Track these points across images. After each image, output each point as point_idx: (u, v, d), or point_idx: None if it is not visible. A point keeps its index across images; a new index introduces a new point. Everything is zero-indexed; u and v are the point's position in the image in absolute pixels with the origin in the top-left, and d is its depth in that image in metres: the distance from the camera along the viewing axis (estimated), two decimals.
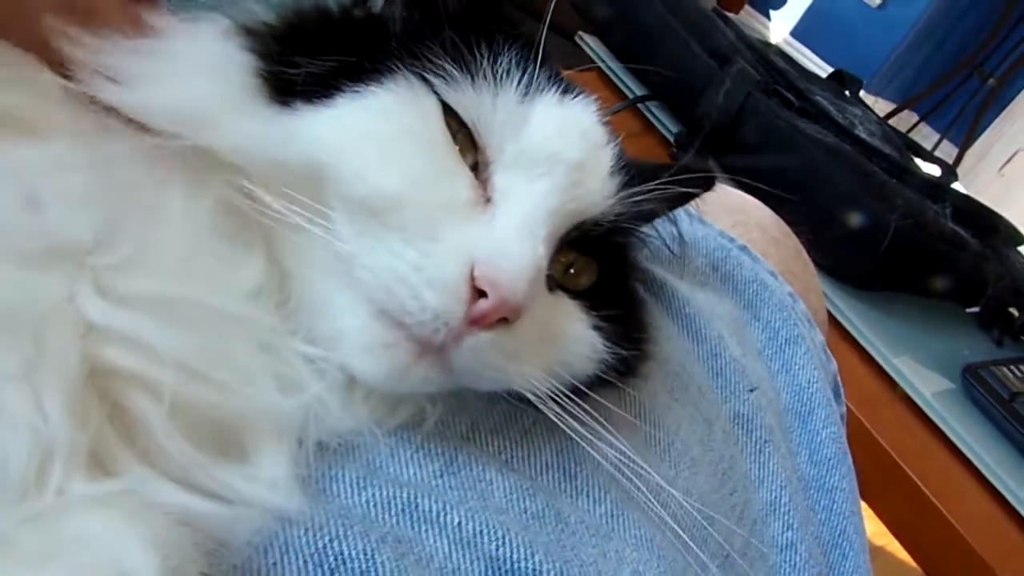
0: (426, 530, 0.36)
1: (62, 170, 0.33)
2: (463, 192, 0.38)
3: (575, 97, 0.43)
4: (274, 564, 0.32)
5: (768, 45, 1.47)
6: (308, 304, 0.38)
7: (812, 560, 0.50)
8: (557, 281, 0.43)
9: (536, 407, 0.40)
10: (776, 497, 0.51)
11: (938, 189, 1.19)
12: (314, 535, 0.34)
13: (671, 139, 1.25)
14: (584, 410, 0.40)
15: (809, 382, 0.59)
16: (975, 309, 1.23)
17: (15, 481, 0.28)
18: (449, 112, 0.40)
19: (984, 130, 2.58)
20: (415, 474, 0.38)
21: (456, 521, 0.36)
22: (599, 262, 0.45)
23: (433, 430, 0.40)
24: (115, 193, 0.34)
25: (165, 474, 0.32)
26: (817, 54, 2.65)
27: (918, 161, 1.39)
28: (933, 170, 1.38)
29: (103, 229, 0.33)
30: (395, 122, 0.38)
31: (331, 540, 0.33)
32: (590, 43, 1.39)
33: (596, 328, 0.43)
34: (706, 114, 1.18)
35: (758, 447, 0.53)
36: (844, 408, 0.66)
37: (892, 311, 1.14)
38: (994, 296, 1.18)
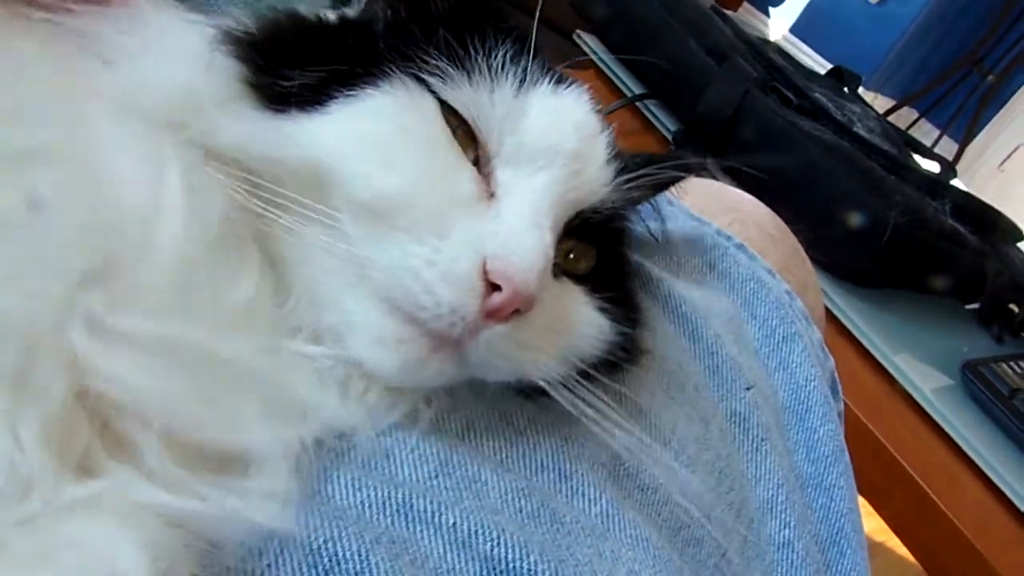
0: (421, 531, 0.36)
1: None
2: (468, 187, 0.39)
3: (568, 87, 0.44)
4: (268, 566, 0.32)
5: (767, 42, 1.47)
6: (313, 301, 0.39)
7: (809, 558, 0.50)
8: (561, 268, 0.43)
9: (545, 397, 0.41)
10: (773, 495, 0.51)
11: (937, 186, 1.19)
12: (308, 536, 0.33)
13: (669, 137, 1.26)
14: (594, 394, 0.41)
15: (806, 380, 0.59)
16: (975, 306, 1.23)
17: None
18: (447, 109, 0.40)
19: (984, 126, 2.57)
20: (410, 474, 0.38)
21: (451, 521, 0.36)
22: (596, 247, 0.46)
23: (428, 430, 0.40)
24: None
25: (156, 481, 0.32)
26: (816, 51, 2.64)
27: (917, 158, 1.39)
28: (932, 167, 1.38)
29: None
30: (394, 123, 0.38)
31: (325, 541, 0.33)
32: (588, 41, 1.39)
33: (601, 310, 0.44)
34: (705, 112, 1.18)
35: (755, 445, 0.53)
36: (842, 406, 0.66)
37: (891, 308, 1.14)
38: (994, 292, 1.18)
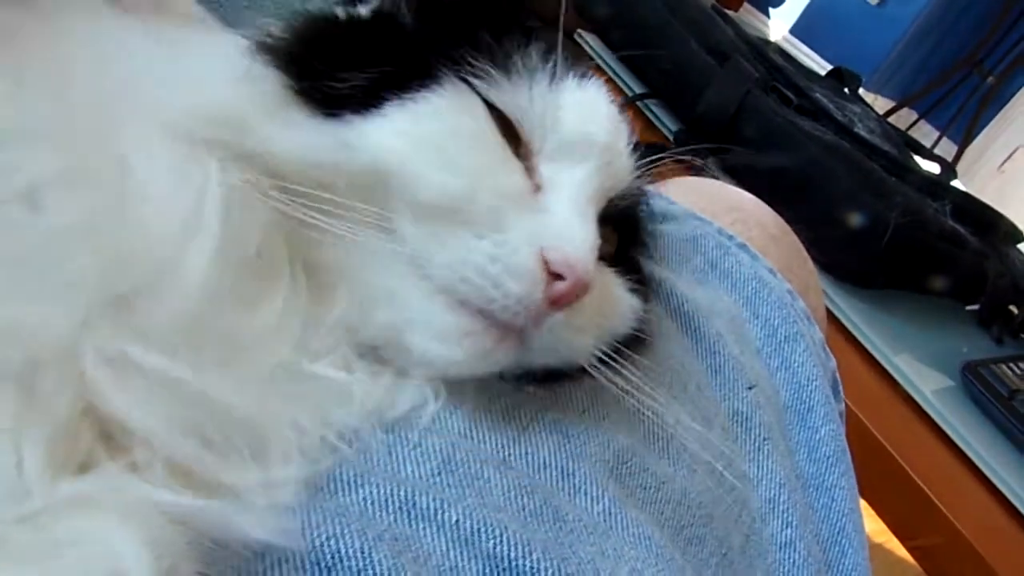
0: (424, 528, 0.36)
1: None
2: (519, 183, 0.41)
3: (589, 80, 0.46)
4: (270, 564, 0.32)
5: (767, 43, 1.47)
6: (363, 302, 0.40)
7: (811, 558, 0.50)
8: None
9: (555, 385, 0.44)
10: (775, 495, 0.51)
11: (937, 187, 1.19)
12: (310, 533, 0.33)
13: (670, 137, 1.25)
14: (627, 368, 0.44)
15: (808, 380, 0.59)
16: (975, 307, 1.23)
17: None
18: (492, 109, 0.41)
19: (983, 128, 2.58)
20: (412, 472, 0.38)
21: (454, 519, 0.36)
22: (618, 231, 0.48)
23: (430, 428, 0.40)
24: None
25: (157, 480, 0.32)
26: (816, 51, 2.65)
27: (917, 159, 1.39)
28: (932, 168, 1.38)
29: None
30: (452, 125, 0.40)
31: (327, 538, 0.33)
32: (589, 41, 1.39)
33: (632, 291, 0.48)
34: (705, 112, 1.18)
35: (757, 445, 0.52)
36: (843, 406, 0.66)
37: (892, 309, 1.14)
38: (994, 294, 1.18)
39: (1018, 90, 2.55)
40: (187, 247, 0.34)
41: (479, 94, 0.41)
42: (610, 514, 0.41)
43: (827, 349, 0.66)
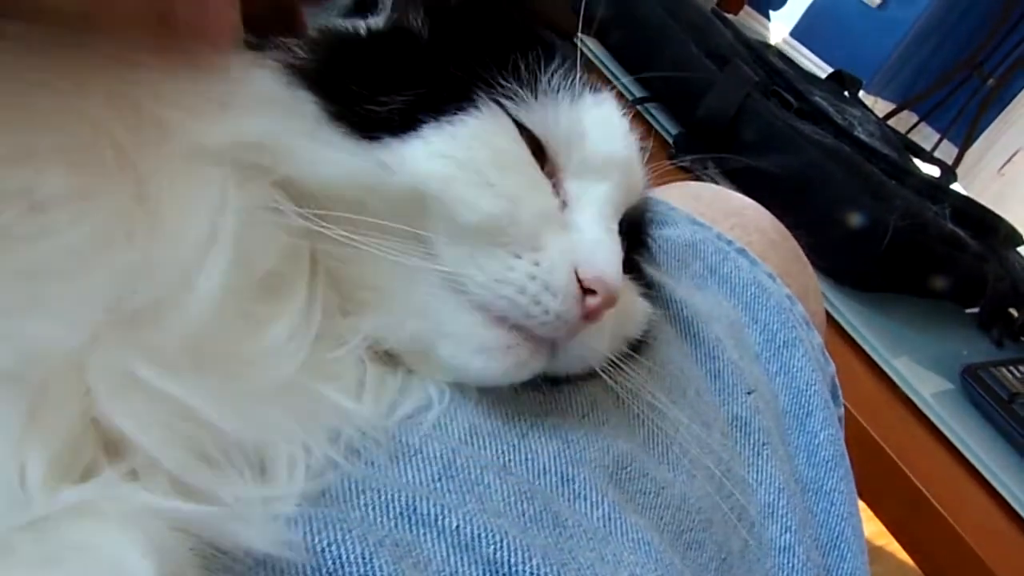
0: (424, 533, 0.36)
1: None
2: (551, 202, 0.42)
3: (602, 94, 0.47)
4: (272, 568, 0.32)
5: (767, 46, 1.47)
6: (393, 312, 0.41)
7: (810, 562, 0.50)
8: None
9: (555, 389, 0.45)
10: (774, 499, 0.51)
11: (937, 190, 1.19)
12: (312, 539, 0.33)
13: (670, 141, 1.26)
14: (632, 370, 0.46)
15: (807, 384, 0.59)
16: (974, 310, 1.23)
17: None
18: (521, 129, 0.42)
19: (984, 130, 2.58)
20: (413, 477, 0.38)
21: (454, 524, 0.36)
22: (626, 238, 0.48)
23: (431, 433, 0.40)
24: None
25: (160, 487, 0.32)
26: (817, 54, 2.65)
27: (917, 162, 1.39)
28: (932, 171, 1.39)
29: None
30: (491, 147, 0.40)
31: (328, 544, 0.33)
32: (589, 45, 1.39)
33: (643, 296, 0.50)
34: (705, 116, 1.18)
35: (756, 450, 0.53)
36: (842, 410, 0.66)
37: (891, 312, 1.14)
38: (994, 297, 1.18)
39: (1018, 93, 2.56)
40: (200, 267, 0.34)
41: (510, 115, 0.42)
42: (609, 519, 0.41)
43: (826, 354, 0.66)
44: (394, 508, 0.36)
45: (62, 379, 0.30)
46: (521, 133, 0.42)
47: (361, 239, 0.38)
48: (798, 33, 2.69)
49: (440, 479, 0.38)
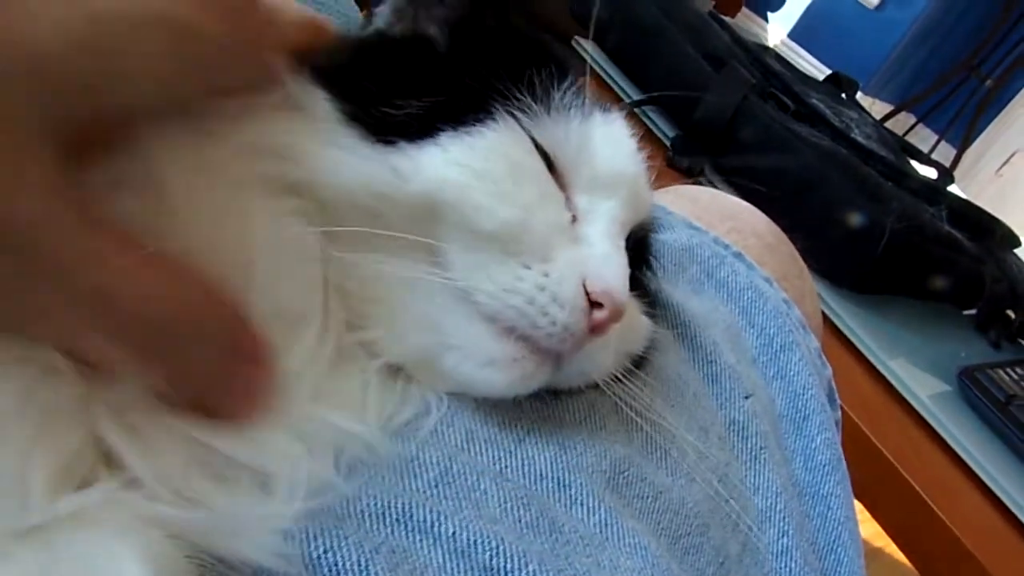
0: (420, 540, 0.36)
1: None
2: (563, 215, 0.42)
3: (611, 113, 0.48)
4: None
5: (765, 48, 1.48)
6: (399, 324, 0.41)
7: (807, 567, 0.50)
8: None
9: (550, 400, 0.45)
10: (771, 504, 0.51)
11: (934, 192, 1.20)
12: (308, 546, 0.34)
13: (667, 143, 1.26)
14: (636, 387, 0.46)
15: (804, 388, 0.59)
16: (972, 312, 1.23)
17: None
18: (533, 143, 0.43)
19: (981, 132, 2.58)
20: (410, 484, 0.38)
21: (451, 531, 0.36)
22: (632, 256, 0.48)
23: (428, 440, 0.40)
24: None
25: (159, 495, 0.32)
26: (815, 56, 2.65)
27: (914, 164, 1.40)
28: (930, 173, 1.39)
29: None
30: (508, 158, 0.41)
31: (325, 551, 0.33)
32: (587, 48, 1.39)
33: (646, 314, 0.51)
34: (702, 118, 1.18)
35: (753, 454, 0.53)
36: (839, 414, 0.66)
37: (888, 314, 1.14)
38: (991, 298, 1.18)
39: (1016, 94, 2.56)
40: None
41: (524, 129, 0.42)
42: (606, 525, 0.41)
43: (823, 357, 0.66)
44: (390, 515, 0.36)
45: (72, 407, 0.31)
46: (536, 148, 0.43)
47: (371, 248, 0.38)
48: (796, 35, 2.69)
49: (437, 486, 0.38)
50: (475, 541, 0.36)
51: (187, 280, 0.32)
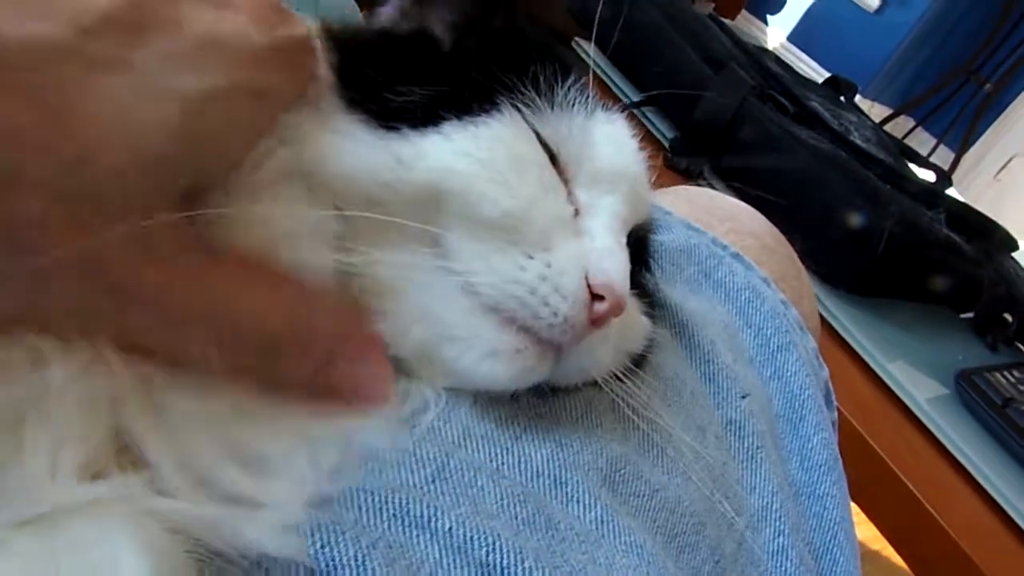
0: (417, 536, 0.36)
1: None
2: (565, 207, 0.43)
3: (613, 112, 0.48)
4: (267, 570, 0.32)
5: (764, 51, 1.48)
6: (401, 316, 0.40)
7: (803, 566, 0.50)
8: None
9: (551, 396, 0.45)
10: (767, 503, 0.51)
11: (932, 195, 1.20)
12: (307, 540, 0.34)
13: (666, 145, 1.26)
14: (636, 386, 0.47)
15: (801, 389, 0.59)
16: (969, 315, 1.24)
17: None
18: (538, 137, 0.43)
19: (980, 135, 2.58)
20: (407, 479, 0.38)
21: (447, 527, 0.36)
22: (632, 256, 0.48)
23: (425, 435, 0.40)
24: None
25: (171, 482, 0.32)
26: (814, 59, 2.65)
27: (913, 167, 1.40)
28: (928, 176, 1.39)
29: None
30: (512, 149, 0.41)
31: (322, 546, 0.34)
32: (587, 49, 1.39)
33: (646, 314, 0.51)
34: (701, 120, 1.19)
35: (750, 454, 0.53)
36: (836, 415, 0.66)
37: (886, 316, 1.14)
38: (988, 301, 1.18)
39: (1015, 98, 2.57)
40: None
41: (528, 122, 0.42)
42: (602, 522, 0.41)
43: (820, 358, 0.66)
44: (388, 510, 0.37)
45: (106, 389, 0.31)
46: (539, 141, 0.43)
47: (375, 236, 0.38)
48: (795, 38, 2.69)
49: (434, 481, 0.39)
50: (472, 537, 0.36)
51: (290, 292, 0.35)
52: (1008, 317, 1.22)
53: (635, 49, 1.33)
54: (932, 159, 1.68)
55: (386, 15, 0.45)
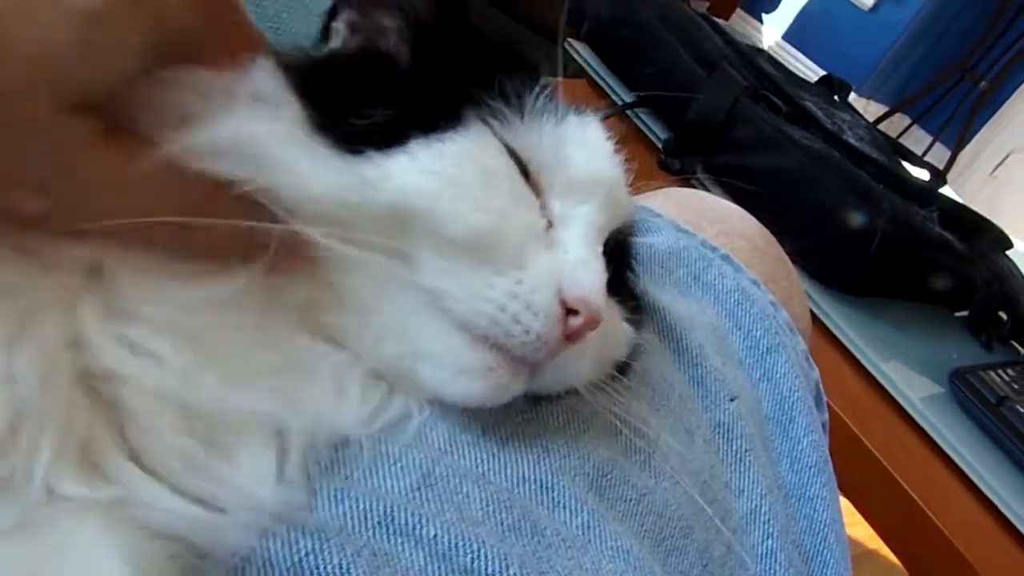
0: (402, 543, 0.36)
1: None
2: (538, 221, 0.42)
3: (587, 115, 0.47)
4: None
5: (758, 51, 1.48)
6: (373, 334, 0.40)
7: (792, 569, 0.50)
8: None
9: (539, 402, 0.45)
10: (756, 506, 0.51)
11: (926, 194, 1.20)
12: (290, 548, 0.34)
13: (659, 145, 1.26)
14: (618, 393, 0.46)
15: (790, 391, 0.59)
16: (964, 313, 1.24)
17: None
18: (507, 149, 0.42)
19: (976, 133, 2.59)
20: (392, 486, 0.38)
21: (432, 534, 0.36)
22: (612, 261, 0.48)
23: (410, 442, 0.40)
24: None
25: (155, 476, 0.32)
26: (809, 57, 2.66)
27: (907, 165, 1.40)
28: (922, 175, 1.39)
29: None
30: (479, 165, 0.40)
31: (307, 554, 0.34)
32: (580, 50, 1.39)
33: (627, 320, 0.50)
34: (694, 120, 1.19)
35: (739, 456, 0.53)
36: (826, 416, 0.66)
37: (880, 316, 1.14)
38: (983, 300, 1.18)
39: (1010, 95, 2.57)
40: None
41: (496, 135, 0.42)
42: (589, 527, 0.41)
43: (810, 360, 0.66)
44: (372, 517, 0.37)
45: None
46: (510, 154, 0.42)
47: (345, 254, 0.37)
48: (790, 36, 2.69)
49: (419, 488, 0.39)
50: (456, 544, 0.36)
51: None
52: (1003, 315, 1.22)
53: (628, 50, 1.33)
54: (928, 157, 1.68)
55: (337, 30, 0.44)
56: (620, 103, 1.32)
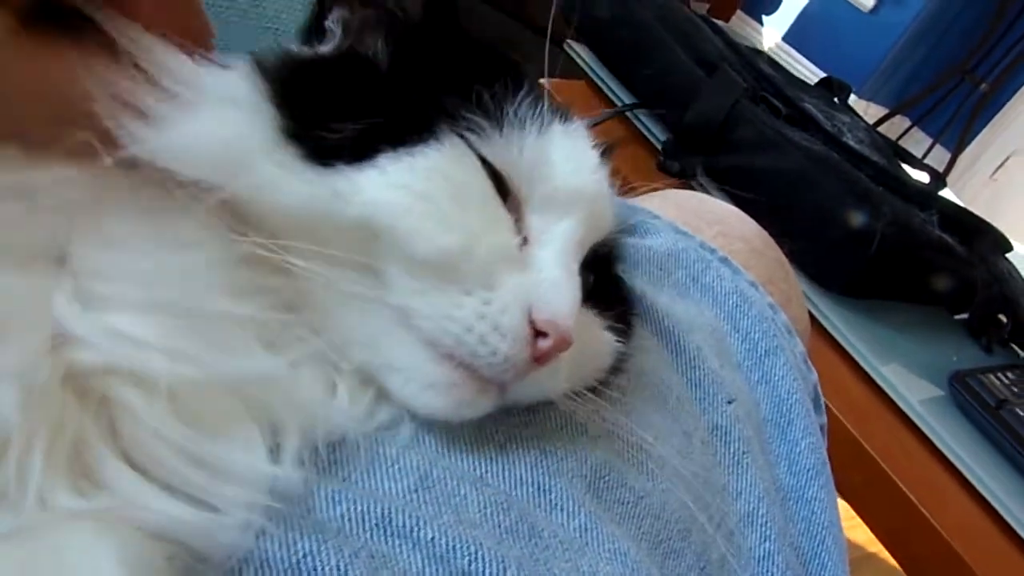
0: (399, 545, 0.36)
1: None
2: (510, 239, 0.41)
3: (572, 124, 0.46)
4: None
5: (758, 53, 1.48)
6: (340, 341, 0.40)
7: (790, 571, 0.50)
8: None
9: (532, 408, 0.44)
10: (754, 508, 0.51)
11: (926, 196, 1.20)
12: (288, 550, 0.34)
13: (658, 147, 1.26)
14: (600, 402, 0.46)
15: (788, 393, 0.59)
16: (963, 316, 1.24)
17: None
18: (483, 162, 0.41)
19: (976, 135, 2.59)
20: (390, 488, 0.38)
21: (429, 536, 0.36)
22: (595, 272, 0.48)
23: (408, 444, 0.40)
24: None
25: (147, 474, 0.32)
26: (809, 59, 2.66)
27: (907, 168, 1.40)
28: (922, 177, 1.39)
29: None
30: (450, 180, 0.39)
31: (304, 555, 0.34)
32: (579, 51, 1.39)
33: (609, 329, 0.48)
34: (694, 122, 1.19)
35: (736, 459, 0.53)
36: (825, 419, 0.66)
37: (880, 318, 1.14)
38: (983, 303, 1.18)
39: (1011, 97, 2.57)
40: None
41: (472, 148, 0.41)
42: (586, 530, 0.41)
43: (808, 362, 0.66)
44: (370, 519, 0.37)
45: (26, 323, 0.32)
46: (483, 166, 0.41)
47: (312, 268, 0.37)
48: (791, 38, 2.69)
49: (416, 490, 0.39)
50: (454, 546, 0.36)
51: None
52: (1002, 318, 1.22)
53: (628, 51, 1.33)
54: (928, 159, 1.68)
55: (334, 32, 0.43)
56: (620, 104, 1.32)
